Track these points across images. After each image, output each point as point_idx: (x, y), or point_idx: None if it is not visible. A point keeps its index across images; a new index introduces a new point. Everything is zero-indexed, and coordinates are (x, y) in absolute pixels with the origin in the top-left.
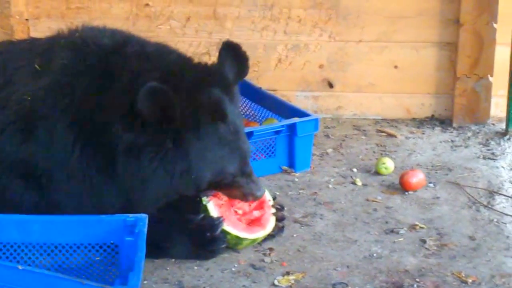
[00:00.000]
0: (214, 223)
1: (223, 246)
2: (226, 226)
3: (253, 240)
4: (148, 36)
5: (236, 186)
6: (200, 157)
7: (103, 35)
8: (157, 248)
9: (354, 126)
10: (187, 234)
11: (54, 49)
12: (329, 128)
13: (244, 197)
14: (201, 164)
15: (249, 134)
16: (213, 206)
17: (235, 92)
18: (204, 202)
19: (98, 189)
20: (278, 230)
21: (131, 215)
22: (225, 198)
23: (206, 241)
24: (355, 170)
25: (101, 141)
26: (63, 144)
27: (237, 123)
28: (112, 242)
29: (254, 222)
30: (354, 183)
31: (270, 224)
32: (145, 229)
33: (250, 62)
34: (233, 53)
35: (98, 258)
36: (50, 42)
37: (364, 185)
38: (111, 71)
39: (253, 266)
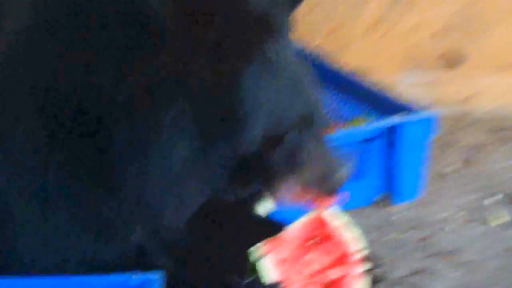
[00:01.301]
0: None
1: None
2: None
3: None
4: None
5: (301, 150)
6: (252, 91)
7: None
8: None
9: (492, 128)
10: None
11: None
12: (452, 132)
13: (317, 174)
14: (253, 102)
15: None
16: (270, 263)
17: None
18: (253, 258)
19: (99, 223)
20: None
21: (136, 274)
22: (288, 247)
23: None
24: (493, 200)
25: (92, 128)
26: (26, 150)
27: (293, 49)
28: None
29: (333, 287)
30: (489, 222)
31: None
32: None
33: (327, 27)
34: None
35: None
36: None
37: (510, 224)
38: (99, 12)
39: None
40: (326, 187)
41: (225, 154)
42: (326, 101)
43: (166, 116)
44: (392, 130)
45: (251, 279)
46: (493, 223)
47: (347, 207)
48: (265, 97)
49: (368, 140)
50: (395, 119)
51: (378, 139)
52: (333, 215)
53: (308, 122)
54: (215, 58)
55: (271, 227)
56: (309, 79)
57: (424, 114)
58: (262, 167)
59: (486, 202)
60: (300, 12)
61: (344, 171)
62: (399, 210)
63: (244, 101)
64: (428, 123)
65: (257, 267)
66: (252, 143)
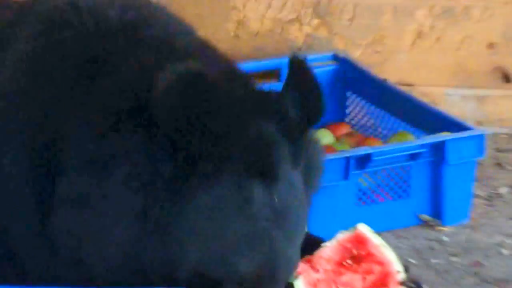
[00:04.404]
0: None
1: None
2: None
3: None
4: None
5: None
6: (199, 221)
7: (110, 5)
8: None
9: None
10: None
11: (19, 23)
12: (504, 151)
13: None
14: (195, 232)
15: (365, 159)
16: (305, 283)
17: (305, 145)
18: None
19: None
20: None
21: None
22: (324, 266)
23: None
24: None
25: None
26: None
27: (290, 201)
28: None
29: None
30: None
31: None
32: None
33: (371, 37)
34: (298, 77)
35: None
36: (17, 10)
37: None
38: (102, 61)
39: None
40: None
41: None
42: (369, 113)
43: (123, 173)
44: (440, 147)
45: None
46: None
47: (392, 227)
48: (212, 236)
49: (413, 155)
50: (442, 136)
51: (425, 156)
52: (372, 233)
53: (260, 277)
54: (184, 164)
55: (309, 243)
56: (295, 227)
57: (474, 131)
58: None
59: None
60: (339, 23)
61: None
62: (449, 232)
63: (182, 229)
64: (478, 141)
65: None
66: (176, 270)
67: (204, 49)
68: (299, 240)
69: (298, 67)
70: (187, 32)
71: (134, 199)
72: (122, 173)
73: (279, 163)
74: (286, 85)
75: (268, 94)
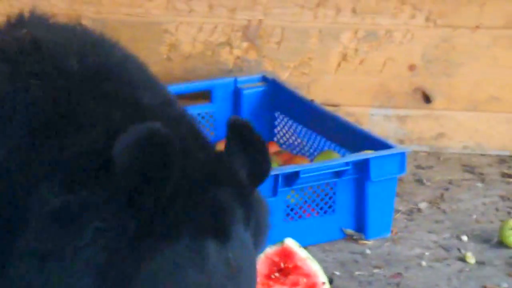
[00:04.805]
0: None
1: None
2: None
3: None
4: (133, 13)
5: None
6: (159, 278)
7: (69, 49)
8: None
9: (464, 166)
10: None
11: None
12: (423, 168)
13: None
14: None
15: (294, 176)
16: None
17: (253, 205)
18: None
19: None
20: None
21: None
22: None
23: None
24: (465, 238)
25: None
26: None
27: (243, 258)
28: None
29: None
30: (463, 259)
31: None
32: None
33: (298, 59)
34: (242, 139)
35: None
36: None
37: (480, 263)
38: (70, 118)
39: None
40: None
41: None
42: (297, 132)
43: (89, 227)
44: (363, 165)
45: None
46: (467, 261)
47: (318, 241)
48: None
49: (338, 173)
50: (365, 154)
51: (349, 173)
52: (299, 247)
53: None
54: (146, 227)
55: None
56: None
57: (396, 149)
58: None
59: (459, 240)
60: (268, 46)
61: None
62: (371, 245)
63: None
64: (400, 159)
65: None
66: None
67: (167, 107)
68: None
69: (241, 130)
70: (147, 80)
71: (100, 255)
72: (91, 229)
73: (232, 224)
74: (232, 148)
75: (222, 157)
